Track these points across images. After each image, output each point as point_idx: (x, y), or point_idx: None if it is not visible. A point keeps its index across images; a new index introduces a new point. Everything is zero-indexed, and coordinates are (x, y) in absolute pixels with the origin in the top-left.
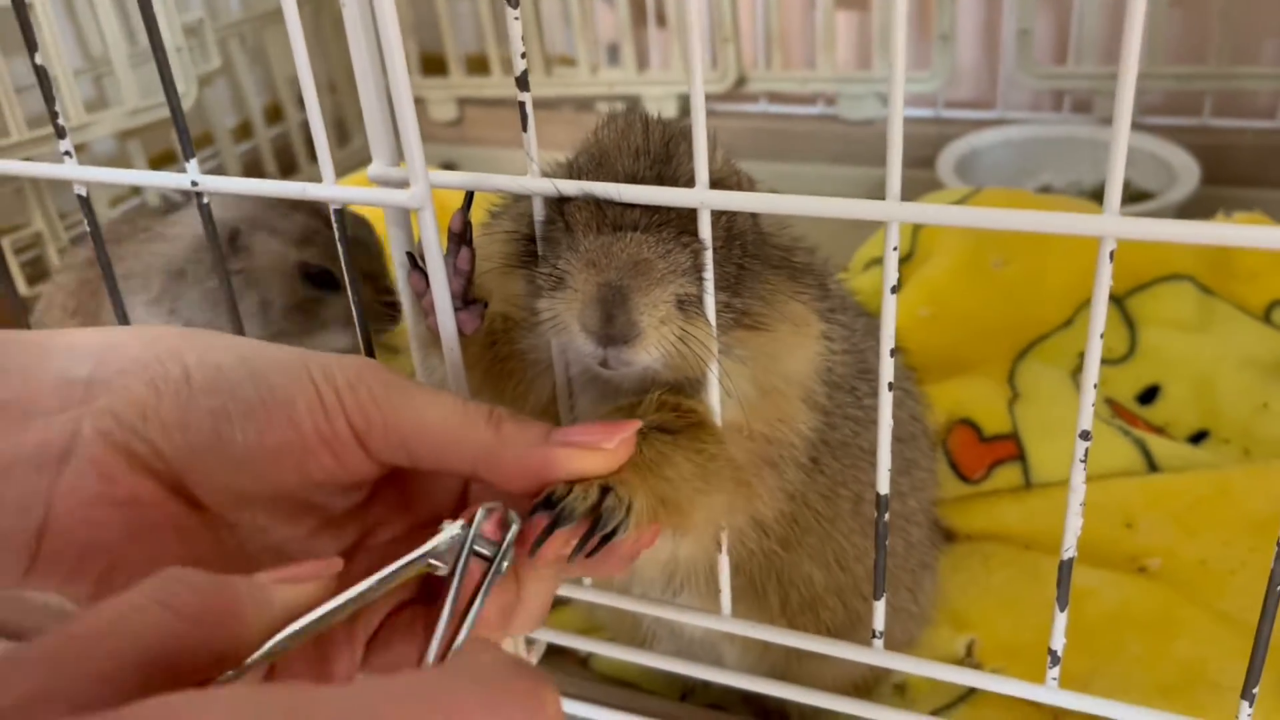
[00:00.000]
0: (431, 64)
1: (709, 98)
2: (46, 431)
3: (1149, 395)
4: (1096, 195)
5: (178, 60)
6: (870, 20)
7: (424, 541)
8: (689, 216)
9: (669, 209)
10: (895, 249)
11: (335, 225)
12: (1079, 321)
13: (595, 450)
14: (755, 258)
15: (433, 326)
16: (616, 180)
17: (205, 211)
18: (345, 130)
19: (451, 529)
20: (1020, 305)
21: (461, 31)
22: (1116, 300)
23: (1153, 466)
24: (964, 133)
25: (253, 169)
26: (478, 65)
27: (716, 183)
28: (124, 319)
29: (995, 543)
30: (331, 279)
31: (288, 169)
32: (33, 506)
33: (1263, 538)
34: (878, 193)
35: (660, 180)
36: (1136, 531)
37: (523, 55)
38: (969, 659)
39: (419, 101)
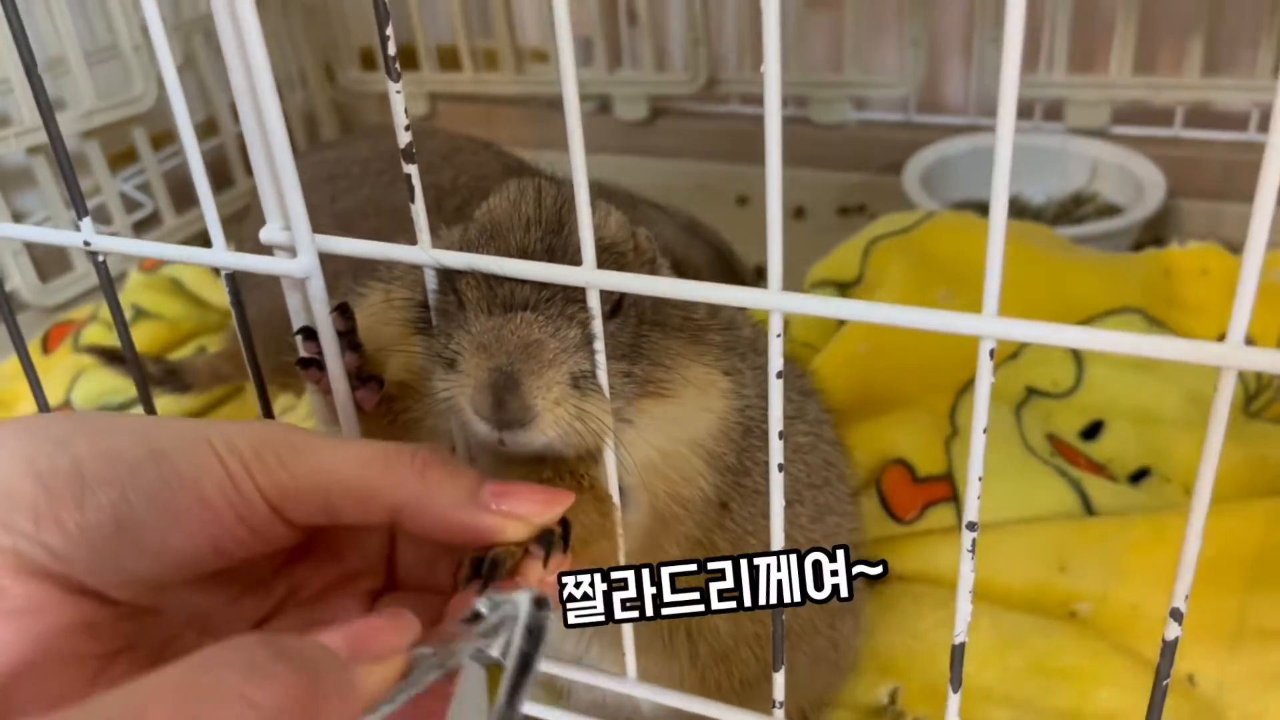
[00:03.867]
0: (402, 57)
1: (680, 98)
2: None
3: (1093, 431)
4: (1065, 208)
5: (136, 59)
6: (843, 22)
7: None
8: (580, 288)
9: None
10: (779, 336)
11: (229, 291)
12: (1024, 355)
13: (528, 521)
14: (654, 324)
15: (331, 404)
16: (508, 253)
17: (102, 270)
18: (315, 125)
19: (503, 608)
20: (966, 339)
21: (433, 22)
22: None
23: (1089, 509)
24: (935, 139)
25: (218, 166)
26: (449, 58)
27: (608, 248)
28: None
29: (927, 584)
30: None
31: None
32: None
33: (1197, 583)
34: (849, 196)
35: (551, 251)
36: (1069, 574)
37: (406, 128)
38: (892, 707)
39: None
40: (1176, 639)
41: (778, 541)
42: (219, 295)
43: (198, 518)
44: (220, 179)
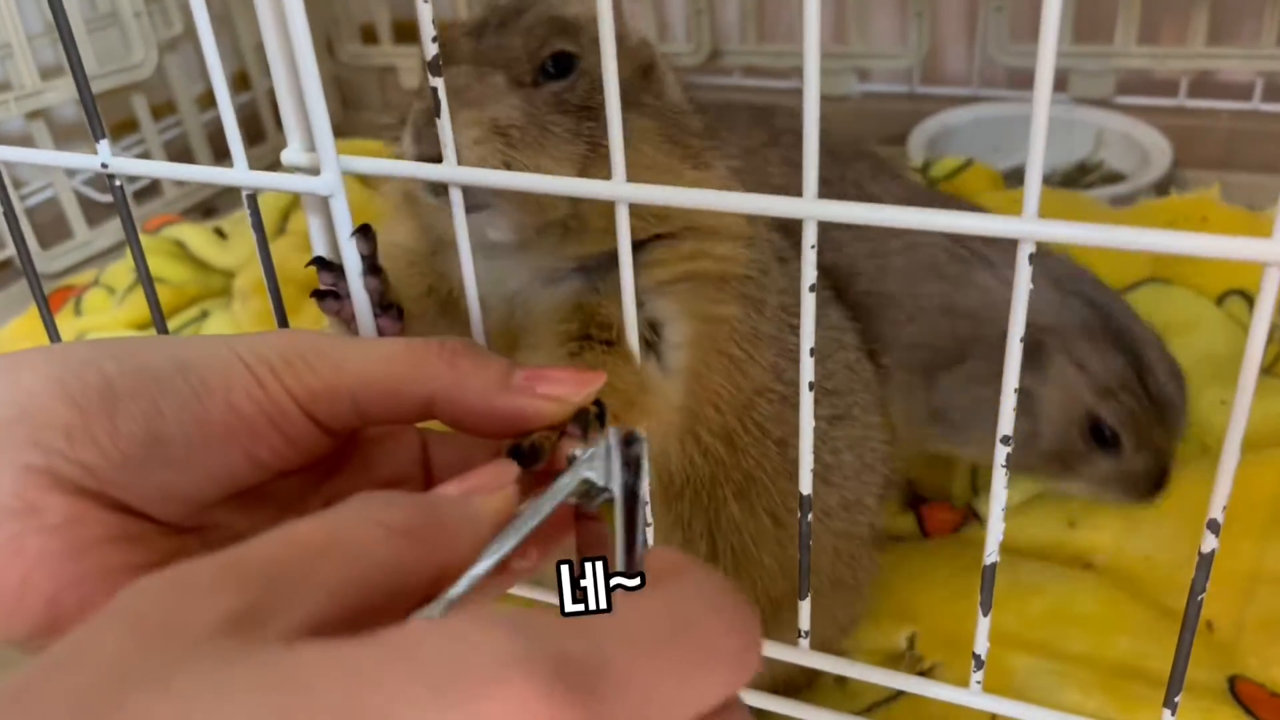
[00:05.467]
0: (404, 31)
1: (683, 70)
2: None
3: None
4: (1070, 176)
5: (136, 26)
6: None
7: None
8: (520, 56)
9: (498, 38)
10: (813, 247)
11: (250, 213)
12: None
13: (563, 402)
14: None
15: (353, 333)
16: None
17: (119, 194)
18: None
19: (595, 448)
20: None
21: None
22: None
23: None
24: (938, 109)
25: (218, 138)
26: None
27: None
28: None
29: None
30: (1117, 443)
31: (255, 137)
32: None
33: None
34: None
35: (502, 23)
36: (1079, 530)
37: (434, 39)
38: (910, 651)
39: (390, 70)
40: (1213, 551)
41: (806, 462)
42: (222, 258)
43: (230, 426)
44: (219, 146)
